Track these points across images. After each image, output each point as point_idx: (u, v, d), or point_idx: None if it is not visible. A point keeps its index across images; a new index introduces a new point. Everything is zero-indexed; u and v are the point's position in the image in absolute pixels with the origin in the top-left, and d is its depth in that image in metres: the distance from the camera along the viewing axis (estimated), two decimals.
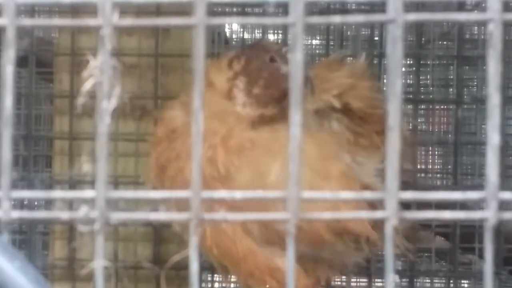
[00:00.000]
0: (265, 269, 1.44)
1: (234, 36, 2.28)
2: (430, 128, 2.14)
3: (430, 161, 2.20)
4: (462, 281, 2.03)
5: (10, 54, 0.66)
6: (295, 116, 0.61)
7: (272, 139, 1.46)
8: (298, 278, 1.45)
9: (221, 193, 0.77)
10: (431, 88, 2.13)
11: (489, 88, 0.63)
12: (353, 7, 1.72)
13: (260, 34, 2.13)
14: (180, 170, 1.45)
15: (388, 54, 0.64)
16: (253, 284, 1.47)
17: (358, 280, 2.04)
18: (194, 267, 0.64)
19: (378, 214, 0.66)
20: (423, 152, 2.15)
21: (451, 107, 2.02)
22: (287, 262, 0.65)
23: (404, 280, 1.95)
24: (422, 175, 2.10)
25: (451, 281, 1.95)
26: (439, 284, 2.02)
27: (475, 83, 2.06)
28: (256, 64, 1.48)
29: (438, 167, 2.14)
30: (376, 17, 0.67)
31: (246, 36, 2.19)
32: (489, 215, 0.65)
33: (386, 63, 0.61)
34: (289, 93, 0.63)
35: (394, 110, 0.64)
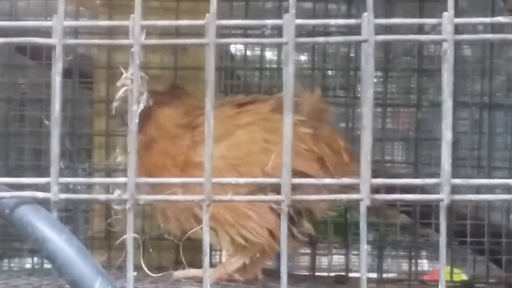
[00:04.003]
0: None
1: (238, 52, 2.27)
2: (396, 127, 2.13)
3: (396, 153, 2.19)
4: (421, 251, 2.02)
5: (58, 67, 0.66)
6: (288, 117, 0.61)
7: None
8: (267, 215, 1.45)
9: (228, 179, 0.77)
10: (396, 95, 2.12)
11: (444, 95, 0.63)
12: (334, 30, 1.71)
13: (259, 51, 2.13)
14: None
15: (362, 67, 0.64)
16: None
17: (337, 248, 2.03)
18: (206, 238, 0.65)
19: (354, 196, 0.66)
20: (389, 147, 2.14)
21: (412, 110, 2.01)
22: (282, 233, 0.65)
23: (374, 249, 1.94)
24: (389, 165, 2.09)
25: (412, 251, 1.95)
26: (402, 253, 2.02)
27: (432, 91, 2.05)
28: None
29: (402, 158, 2.13)
30: (353, 38, 0.66)
31: (248, 53, 2.18)
32: (443, 197, 0.65)
33: (360, 75, 0.61)
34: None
35: (367, 112, 0.64)
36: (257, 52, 2.14)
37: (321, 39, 0.72)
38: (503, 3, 1.97)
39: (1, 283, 1.45)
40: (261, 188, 1.30)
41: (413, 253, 1.95)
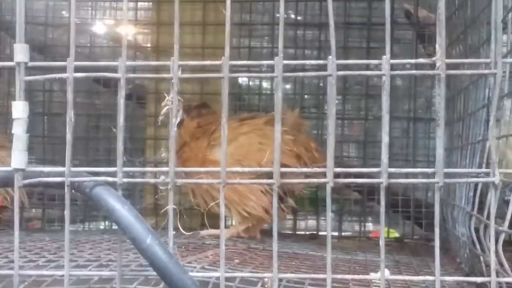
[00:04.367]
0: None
1: (243, 83, 2.26)
2: (351, 133, 2.12)
3: (350, 151, 2.18)
4: (368, 217, 2.01)
5: (122, 93, 0.66)
6: (277, 127, 0.61)
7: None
8: (262, 197, 1.46)
9: (237, 168, 0.76)
10: (351, 111, 2.12)
11: (383, 111, 0.62)
12: (309, 67, 1.70)
13: (258, 82, 2.13)
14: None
15: (328, 93, 0.64)
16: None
17: (310, 215, 2.02)
18: (222, 210, 0.64)
19: (322, 180, 0.66)
20: (346, 147, 2.13)
21: (362, 122, 2.01)
22: (273, 205, 0.65)
23: (336, 216, 1.94)
24: (346, 159, 2.09)
25: (362, 217, 1.95)
26: (355, 218, 2.00)
27: (375, 108, 2.05)
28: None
29: (355, 154, 2.13)
30: (322, 73, 0.66)
31: (250, 83, 2.19)
32: (382, 181, 0.65)
33: (327, 98, 0.61)
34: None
35: (331, 124, 0.64)
36: (257, 82, 2.14)
37: (300, 74, 0.72)
38: (423, 49, 1.96)
39: (85, 237, 1.45)
40: (258, 176, 1.31)
41: (362, 219, 1.96)
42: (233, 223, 1.55)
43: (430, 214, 1.81)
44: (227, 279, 0.77)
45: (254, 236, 1.52)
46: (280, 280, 0.78)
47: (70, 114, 0.70)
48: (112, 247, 1.24)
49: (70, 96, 0.70)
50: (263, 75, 0.68)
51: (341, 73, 0.66)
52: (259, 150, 1.44)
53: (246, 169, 0.80)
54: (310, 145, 1.53)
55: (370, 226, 2.05)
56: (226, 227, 1.56)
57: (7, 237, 1.30)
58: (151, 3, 1.93)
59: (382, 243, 0.72)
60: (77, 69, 0.70)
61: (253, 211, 1.45)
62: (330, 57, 0.66)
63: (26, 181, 0.73)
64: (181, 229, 1.46)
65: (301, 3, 1.95)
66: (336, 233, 1.89)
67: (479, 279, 0.83)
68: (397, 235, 1.99)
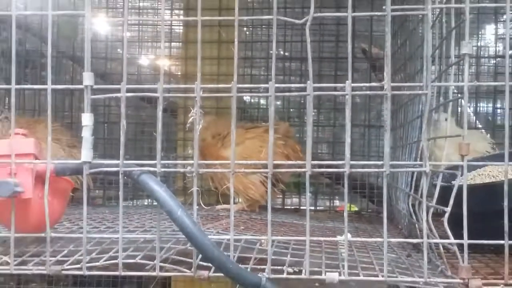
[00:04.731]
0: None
1: (247, 100, 2.26)
2: (323, 136, 2.11)
3: (323, 149, 2.17)
4: (336, 196, 1.99)
5: (160, 107, 0.66)
6: (271, 132, 0.61)
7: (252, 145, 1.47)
8: (260, 187, 1.45)
9: (242, 161, 0.76)
10: (323, 120, 2.11)
11: (346, 120, 0.62)
12: (293, 89, 1.70)
13: (258, 99, 2.14)
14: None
15: (307, 107, 0.64)
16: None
17: (295, 195, 2.01)
18: (231, 191, 0.64)
19: (303, 170, 0.66)
20: (321, 146, 2.13)
21: (331, 128, 2.01)
22: (268, 188, 0.65)
23: (313, 195, 1.94)
24: (320, 154, 2.08)
25: (331, 196, 1.95)
26: (327, 196, 2.00)
27: (340, 118, 2.03)
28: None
29: (326, 151, 2.12)
30: (302, 93, 0.66)
31: (252, 100, 2.19)
32: (346, 170, 0.65)
33: (306, 111, 0.61)
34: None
35: (309, 130, 0.64)
36: (256, 100, 2.15)
37: (287, 94, 0.71)
38: (375, 76, 1.96)
39: (133, 211, 1.45)
40: (258, 170, 1.34)
41: (331, 197, 1.96)
42: (240, 200, 1.55)
43: (380, 194, 1.80)
44: (235, 240, 0.77)
45: (254, 210, 1.52)
46: (273, 241, 0.78)
47: (123, 122, 0.70)
48: (153, 218, 1.24)
49: (123, 109, 0.70)
50: (261, 94, 0.68)
51: (316, 93, 0.66)
52: (259, 151, 1.44)
53: (250, 162, 0.80)
54: (296, 148, 1.54)
55: (337, 202, 2.04)
56: (235, 203, 1.56)
57: (78, 210, 1.30)
58: (181, 43, 1.93)
59: (345, 214, 0.72)
60: (128, 90, 0.70)
61: (254, 196, 1.47)
62: (308, 82, 0.66)
63: (92, 170, 0.73)
64: (202, 204, 1.47)
65: (287, 43, 1.96)
66: (312, 208, 1.89)
67: (414, 241, 0.83)
68: (356, 209, 1.99)
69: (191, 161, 0.70)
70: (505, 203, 0.72)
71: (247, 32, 2.06)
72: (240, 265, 0.72)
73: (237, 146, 1.50)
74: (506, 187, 0.71)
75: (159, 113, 0.69)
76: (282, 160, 1.43)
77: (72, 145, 1.58)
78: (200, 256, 0.73)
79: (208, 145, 1.53)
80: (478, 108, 2.04)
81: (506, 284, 0.73)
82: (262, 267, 0.73)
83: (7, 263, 0.76)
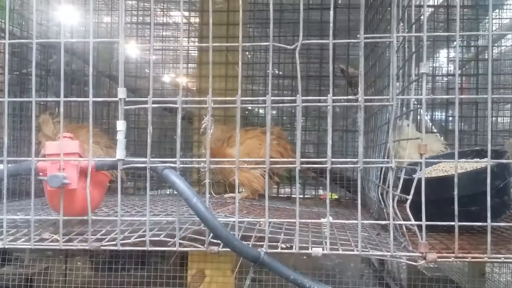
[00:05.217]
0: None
1: (248, 109, 2.25)
2: (310, 138, 2.10)
3: (310, 149, 2.16)
4: (320, 186, 1.97)
5: (179, 116, 0.66)
6: (268, 134, 0.61)
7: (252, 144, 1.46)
8: (260, 180, 1.43)
9: (245, 158, 0.76)
10: (310, 126, 2.10)
11: (328, 126, 0.62)
12: (286, 101, 1.69)
13: (257, 109, 2.13)
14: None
15: (297, 116, 0.63)
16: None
17: (287, 185, 2.01)
18: (236, 183, 0.64)
19: (293, 165, 0.66)
20: (308, 146, 2.12)
21: (316, 132, 2.00)
22: (265, 180, 0.64)
23: (301, 186, 1.93)
24: (307, 153, 2.08)
25: (316, 187, 1.95)
26: (313, 187, 1.99)
27: (324, 125, 2.02)
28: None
29: (312, 151, 2.11)
30: (292, 104, 0.66)
31: (253, 110, 2.18)
32: (328, 165, 0.65)
33: (296, 119, 0.60)
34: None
35: (298, 133, 0.64)
36: (256, 109, 2.14)
37: (280, 105, 0.71)
38: (351, 91, 1.96)
39: (158, 198, 1.45)
40: (257, 165, 1.33)
41: (316, 188, 1.95)
42: (243, 190, 1.54)
43: (355, 185, 1.79)
44: (239, 222, 0.77)
45: (255, 198, 1.51)
46: (270, 222, 0.78)
47: (150, 128, 0.70)
48: (173, 204, 1.24)
49: (149, 117, 0.70)
50: (260, 105, 0.68)
51: (304, 104, 0.66)
52: (259, 148, 1.43)
53: (251, 159, 0.80)
54: (287, 147, 1.53)
55: (321, 192, 2.03)
56: (239, 192, 1.55)
57: (113, 198, 1.30)
58: (196, 64, 1.93)
59: (327, 201, 0.72)
60: (153, 102, 0.70)
61: (255, 187, 1.45)
62: (298, 95, 0.66)
63: (125, 166, 0.73)
64: (213, 193, 1.47)
65: (281, 64, 1.96)
66: (301, 196, 1.87)
67: (383, 222, 0.83)
68: (336, 197, 1.98)
69: (203, 159, 0.70)
70: (455, 192, 0.72)
71: (249, 56, 2.07)
72: (243, 242, 0.72)
73: (240, 145, 1.50)
74: (456, 180, 0.72)
75: (179, 120, 0.69)
76: (277, 156, 1.43)
77: (109, 146, 1.58)
78: (211, 234, 0.73)
79: (216, 145, 1.52)
80: (433, 116, 2.05)
81: (456, 257, 0.74)
82: (261, 243, 0.73)
83: (57, 240, 0.76)
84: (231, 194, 1.50)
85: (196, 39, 2.01)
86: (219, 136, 1.52)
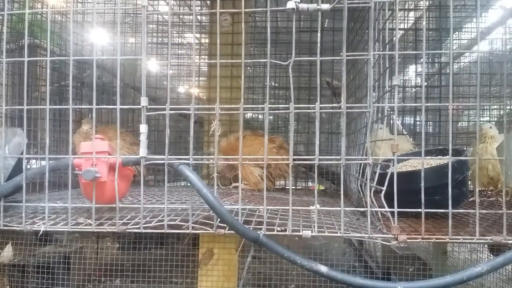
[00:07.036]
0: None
1: (249, 116, 2.25)
2: (301, 140, 2.09)
3: (301, 148, 2.15)
4: (309, 180, 1.97)
5: (192, 120, 0.66)
6: (265, 136, 0.61)
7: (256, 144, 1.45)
8: (255, 177, 1.42)
9: (247, 157, 0.76)
10: (301, 129, 2.09)
11: (316, 129, 0.62)
12: (281, 108, 1.69)
13: (257, 115, 2.13)
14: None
15: (290, 120, 0.63)
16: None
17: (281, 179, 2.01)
18: (239, 177, 0.64)
19: (286, 161, 0.66)
20: (298, 146, 2.11)
21: (306, 134, 1.99)
22: (264, 178, 0.64)
23: (293, 178, 1.92)
24: (298, 152, 2.07)
25: (306, 180, 1.94)
26: (303, 180, 1.98)
27: (312, 128, 2.03)
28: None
29: (302, 150, 2.10)
30: (286, 111, 0.65)
31: (253, 115, 2.18)
32: (316, 162, 0.65)
33: (289, 123, 0.60)
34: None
35: (291, 135, 0.63)
36: (256, 115, 2.14)
37: (276, 111, 0.71)
38: (335, 99, 1.96)
39: (174, 189, 1.44)
40: (257, 164, 1.33)
41: (306, 180, 1.94)
42: (245, 183, 1.54)
43: (338, 178, 1.80)
44: (242, 209, 0.77)
45: (255, 190, 1.50)
46: (267, 209, 0.78)
47: (167, 130, 0.70)
48: (187, 194, 1.23)
49: (167, 121, 0.70)
50: (259, 112, 0.67)
51: (296, 111, 0.65)
52: (259, 150, 1.43)
53: (252, 157, 0.80)
54: (285, 149, 1.52)
55: (310, 183, 2.03)
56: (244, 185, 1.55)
57: (137, 189, 1.29)
58: (206, 77, 1.93)
59: (315, 192, 0.72)
60: (171, 109, 0.70)
61: (254, 183, 1.44)
62: (291, 103, 0.66)
63: (146, 162, 0.73)
64: (220, 185, 1.46)
65: (277, 77, 1.98)
66: (293, 187, 1.87)
67: (362, 209, 0.83)
68: (323, 188, 1.98)
69: (212, 156, 0.69)
70: (422, 184, 0.72)
71: (250, 70, 2.08)
72: (245, 226, 0.72)
73: (248, 147, 1.43)
74: (422, 174, 0.72)
75: (191, 124, 0.69)
76: (273, 155, 1.42)
77: (133, 143, 1.58)
78: (218, 219, 0.73)
79: (223, 146, 1.51)
80: (404, 121, 2.06)
81: (423, 238, 0.74)
82: (260, 227, 0.73)
83: (90, 224, 0.77)
84: (235, 185, 1.50)
85: (206, 57, 2.01)
86: (232, 141, 1.51)
